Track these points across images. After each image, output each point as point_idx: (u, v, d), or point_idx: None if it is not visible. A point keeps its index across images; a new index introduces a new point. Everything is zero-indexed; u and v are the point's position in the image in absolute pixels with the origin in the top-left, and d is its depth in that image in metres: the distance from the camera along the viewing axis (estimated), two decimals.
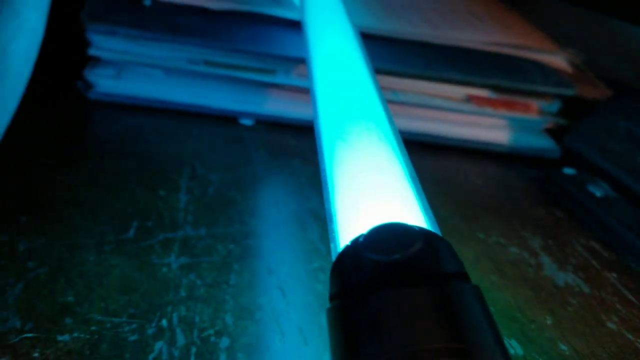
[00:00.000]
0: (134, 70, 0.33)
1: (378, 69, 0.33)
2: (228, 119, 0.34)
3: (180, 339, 0.18)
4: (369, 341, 0.11)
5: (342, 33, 0.26)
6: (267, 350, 0.18)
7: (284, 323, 0.19)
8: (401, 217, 0.14)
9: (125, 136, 0.30)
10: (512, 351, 0.20)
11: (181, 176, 0.27)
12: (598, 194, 0.29)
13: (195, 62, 0.33)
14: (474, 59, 0.36)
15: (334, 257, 0.15)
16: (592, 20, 0.48)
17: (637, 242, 0.27)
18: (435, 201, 0.29)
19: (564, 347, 0.20)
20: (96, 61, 0.32)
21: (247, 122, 0.34)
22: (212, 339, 0.18)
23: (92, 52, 0.31)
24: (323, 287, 0.21)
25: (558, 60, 0.38)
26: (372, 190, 0.16)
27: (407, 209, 0.15)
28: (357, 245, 0.13)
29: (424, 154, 0.34)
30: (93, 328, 0.18)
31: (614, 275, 0.25)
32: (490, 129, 0.36)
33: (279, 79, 0.33)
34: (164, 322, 0.18)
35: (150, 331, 0.18)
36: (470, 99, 0.35)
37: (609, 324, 0.22)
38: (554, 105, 0.36)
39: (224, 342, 0.18)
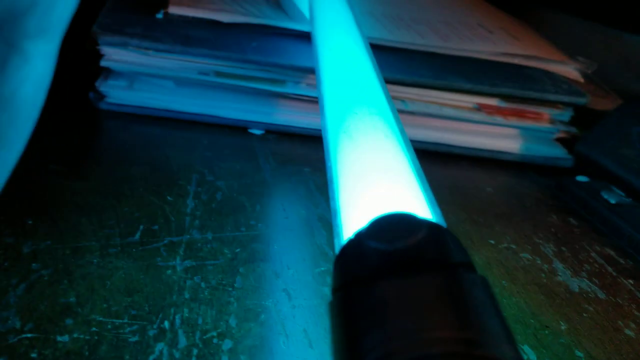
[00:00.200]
0: (145, 81, 0.33)
1: (388, 79, 0.33)
2: (238, 129, 0.34)
3: (182, 341, 0.18)
4: (370, 329, 0.11)
5: (351, 42, 0.26)
6: (270, 353, 0.18)
7: (289, 326, 0.19)
8: (405, 208, 0.14)
9: (135, 145, 0.30)
10: (525, 357, 0.19)
11: (190, 183, 0.27)
12: (612, 200, 0.29)
13: (205, 73, 0.33)
14: (484, 69, 0.36)
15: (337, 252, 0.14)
16: (601, 33, 0.48)
17: None
18: (445, 208, 0.28)
19: (579, 354, 0.20)
20: (108, 72, 0.33)
21: (257, 131, 0.34)
22: (215, 340, 0.18)
23: (105, 63, 0.32)
24: (329, 290, 0.21)
25: (569, 70, 0.38)
26: (377, 188, 0.16)
27: (412, 202, 0.15)
28: (360, 235, 0.13)
29: (433, 163, 0.34)
30: (93, 329, 0.17)
31: (631, 281, 0.25)
32: (501, 137, 0.35)
33: (289, 89, 0.33)
34: (166, 324, 0.18)
35: (151, 332, 0.18)
36: (480, 108, 0.35)
37: (627, 331, 0.21)
38: (566, 114, 0.35)
39: (227, 344, 0.18)
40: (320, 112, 0.21)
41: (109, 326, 0.18)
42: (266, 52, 0.33)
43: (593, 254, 0.26)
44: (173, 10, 0.34)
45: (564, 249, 0.26)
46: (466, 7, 0.46)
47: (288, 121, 0.34)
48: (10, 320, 0.17)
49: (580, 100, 0.35)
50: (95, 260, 0.20)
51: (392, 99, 0.33)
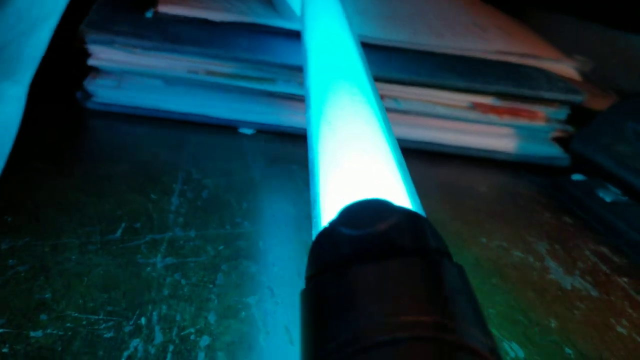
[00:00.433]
0: (133, 80, 0.33)
1: (380, 77, 0.33)
2: (228, 129, 0.33)
3: (158, 337, 0.17)
4: (338, 315, 0.10)
5: (340, 37, 0.25)
6: (249, 349, 0.17)
7: (270, 322, 0.18)
8: (381, 197, 0.13)
9: (122, 144, 0.29)
10: (512, 354, 0.19)
11: (175, 181, 0.26)
12: (608, 199, 0.28)
13: (195, 72, 0.32)
14: (478, 67, 0.36)
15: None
16: (600, 33, 0.47)
17: None
18: (437, 207, 0.28)
19: (569, 351, 0.19)
20: (96, 72, 0.33)
21: (247, 131, 0.33)
22: (192, 337, 0.17)
23: (92, 62, 0.32)
24: None
25: (565, 68, 0.38)
26: (356, 178, 0.15)
27: (390, 191, 0.14)
28: (332, 223, 0.13)
29: (427, 163, 0.33)
30: (68, 325, 0.17)
31: (625, 279, 0.24)
32: (496, 136, 0.35)
33: (279, 87, 0.33)
34: (143, 320, 0.18)
35: (127, 329, 0.17)
36: (474, 106, 0.34)
37: (619, 328, 0.21)
38: (562, 113, 0.35)
39: (204, 340, 0.17)
40: (306, 105, 0.20)
41: (84, 322, 0.17)
42: (257, 50, 0.33)
43: (587, 252, 0.26)
44: (163, 9, 0.34)
45: (557, 247, 0.26)
46: (461, 5, 0.46)
47: (278, 120, 0.34)
48: None
49: (576, 98, 0.34)
50: (73, 257, 0.20)
51: (384, 97, 0.32)
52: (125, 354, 0.16)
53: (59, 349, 0.16)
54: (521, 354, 0.19)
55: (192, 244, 0.22)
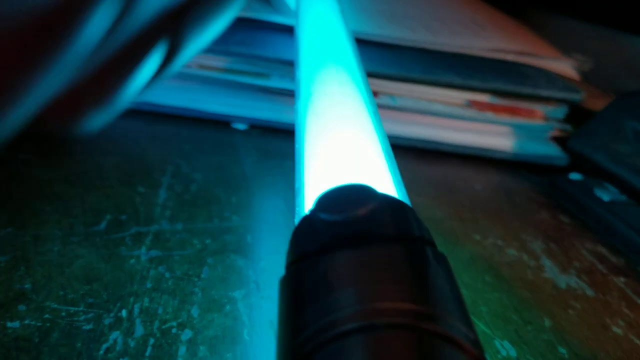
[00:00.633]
0: None
1: (375, 73, 0.33)
2: (221, 124, 0.33)
3: (139, 330, 0.17)
4: (315, 301, 0.10)
5: (332, 30, 0.25)
6: (232, 343, 0.17)
7: (255, 317, 0.18)
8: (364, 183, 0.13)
9: (111, 137, 0.29)
10: (504, 352, 0.18)
11: (164, 174, 0.26)
12: (605, 198, 0.28)
13: (188, 66, 0.32)
14: (475, 64, 0.35)
15: None
16: (600, 34, 0.47)
17: None
18: (431, 204, 0.27)
19: (562, 350, 0.19)
20: None
21: (240, 126, 0.33)
22: (174, 330, 0.17)
23: None
24: None
25: (564, 67, 0.37)
26: (341, 166, 0.15)
27: (374, 179, 0.14)
28: (312, 210, 0.12)
29: (422, 161, 0.33)
30: (46, 316, 0.17)
31: (622, 279, 0.23)
32: (493, 135, 0.34)
33: (273, 82, 0.33)
34: (124, 313, 0.17)
35: (107, 321, 0.17)
36: (471, 104, 0.34)
37: (614, 328, 0.20)
38: (560, 111, 0.34)
39: (186, 334, 0.17)
40: (295, 97, 0.20)
41: (63, 313, 0.17)
42: (251, 44, 0.32)
43: (583, 252, 0.25)
44: None
45: (553, 245, 0.25)
46: (458, 4, 0.45)
47: (272, 116, 0.33)
48: None
49: (575, 97, 0.34)
50: (56, 248, 0.20)
51: (379, 94, 0.32)
52: (104, 346, 0.16)
53: (36, 340, 0.16)
54: (513, 352, 0.18)
55: (178, 237, 0.21)
